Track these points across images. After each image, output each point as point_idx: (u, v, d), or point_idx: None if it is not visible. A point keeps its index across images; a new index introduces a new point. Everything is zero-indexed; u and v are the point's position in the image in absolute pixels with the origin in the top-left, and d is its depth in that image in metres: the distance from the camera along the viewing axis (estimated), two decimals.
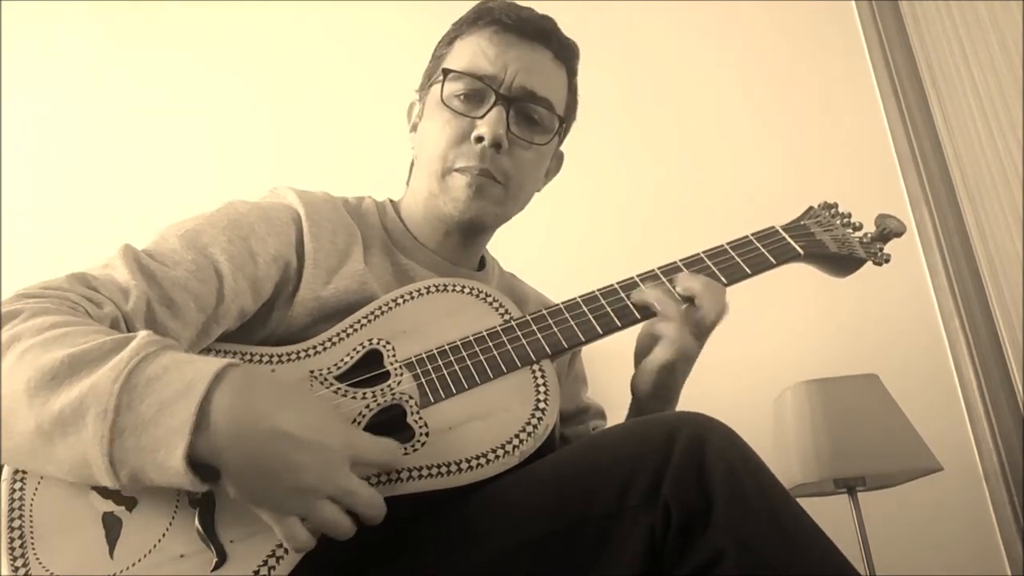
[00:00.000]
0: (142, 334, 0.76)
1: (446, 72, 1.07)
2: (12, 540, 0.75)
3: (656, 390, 0.98)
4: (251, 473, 0.72)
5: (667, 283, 0.97)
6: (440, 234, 1.10)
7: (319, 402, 0.87)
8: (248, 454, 0.71)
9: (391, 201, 1.16)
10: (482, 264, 1.18)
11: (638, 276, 0.99)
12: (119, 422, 0.70)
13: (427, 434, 0.85)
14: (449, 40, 1.12)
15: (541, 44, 1.08)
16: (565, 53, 1.11)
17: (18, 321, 0.76)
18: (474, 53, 1.07)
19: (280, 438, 0.72)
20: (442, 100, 1.06)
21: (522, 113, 1.07)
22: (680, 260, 1.00)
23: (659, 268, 0.99)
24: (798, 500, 0.78)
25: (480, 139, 1.03)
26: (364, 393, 0.89)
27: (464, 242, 1.11)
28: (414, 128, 1.15)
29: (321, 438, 0.74)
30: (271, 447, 0.72)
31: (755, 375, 2.06)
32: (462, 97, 1.06)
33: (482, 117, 1.04)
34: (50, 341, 0.74)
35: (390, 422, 0.87)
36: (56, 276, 0.86)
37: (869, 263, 1.05)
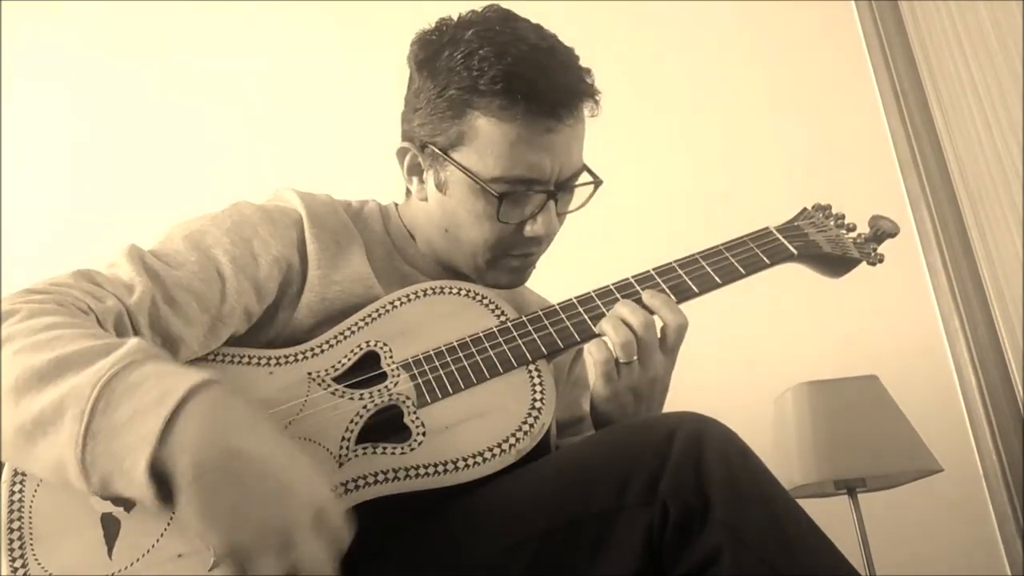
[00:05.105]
0: (132, 341, 0.75)
1: (496, 183, 0.96)
2: (11, 541, 0.75)
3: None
4: (198, 486, 0.66)
5: (661, 284, 0.98)
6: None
7: (298, 447, 0.76)
8: (200, 464, 0.67)
9: (395, 205, 1.15)
10: None
11: (633, 277, 1.00)
12: (93, 425, 0.69)
13: (424, 434, 0.86)
14: (461, 106, 0.96)
15: (577, 112, 0.98)
16: (595, 100, 1.00)
17: (14, 321, 0.77)
18: (515, 152, 0.95)
19: (240, 458, 0.68)
20: (498, 218, 0.97)
21: (564, 191, 1.02)
22: (675, 261, 1.00)
23: (654, 269, 1.00)
24: (798, 501, 0.78)
25: (535, 234, 1.00)
26: (362, 394, 0.90)
27: None
28: (417, 176, 1.05)
29: (287, 477, 0.68)
30: (228, 463, 0.67)
31: (755, 376, 2.06)
32: (507, 197, 0.97)
33: (533, 217, 0.99)
34: (41, 344, 0.74)
35: (387, 422, 0.87)
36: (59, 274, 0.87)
37: (863, 264, 1.05)
